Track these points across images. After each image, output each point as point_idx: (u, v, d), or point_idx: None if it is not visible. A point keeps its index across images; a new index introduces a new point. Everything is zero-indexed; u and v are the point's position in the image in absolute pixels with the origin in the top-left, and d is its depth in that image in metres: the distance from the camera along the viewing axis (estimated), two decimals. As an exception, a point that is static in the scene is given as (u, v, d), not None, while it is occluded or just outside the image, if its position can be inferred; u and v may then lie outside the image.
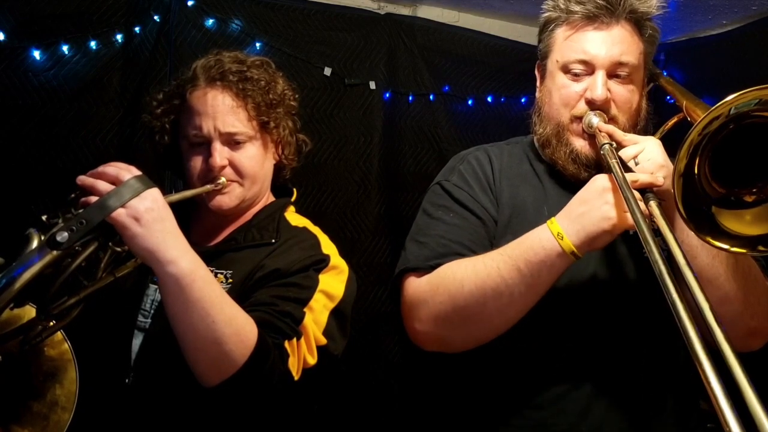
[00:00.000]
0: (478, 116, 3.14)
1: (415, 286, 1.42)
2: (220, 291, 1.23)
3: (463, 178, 1.54)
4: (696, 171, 1.13)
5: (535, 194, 1.52)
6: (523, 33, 3.24)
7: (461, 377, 1.55)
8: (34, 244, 1.06)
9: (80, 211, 1.10)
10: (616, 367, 1.41)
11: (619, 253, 1.46)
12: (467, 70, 3.10)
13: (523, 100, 3.20)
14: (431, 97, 3.03)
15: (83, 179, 1.15)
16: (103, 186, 1.13)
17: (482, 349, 1.40)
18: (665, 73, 2.92)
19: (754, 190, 1.17)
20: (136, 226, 1.12)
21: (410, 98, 2.99)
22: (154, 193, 1.17)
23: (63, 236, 1.04)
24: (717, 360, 0.78)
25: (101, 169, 1.17)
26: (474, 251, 1.40)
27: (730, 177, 1.17)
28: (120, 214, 1.11)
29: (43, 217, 1.08)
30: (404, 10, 3.04)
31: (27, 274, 1.01)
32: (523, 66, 3.13)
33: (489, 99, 3.15)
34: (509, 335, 1.36)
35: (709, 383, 0.73)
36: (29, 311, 1.25)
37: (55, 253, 1.05)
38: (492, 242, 1.46)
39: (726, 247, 1.11)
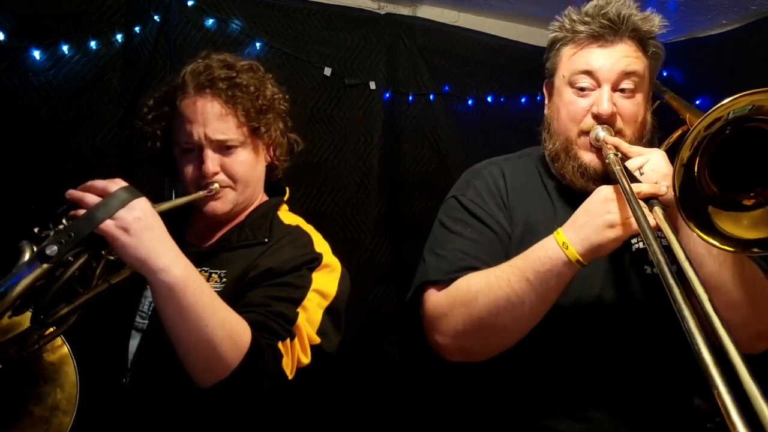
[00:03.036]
0: (478, 116, 3.13)
1: (435, 299, 1.46)
2: (213, 295, 1.24)
3: (478, 193, 1.59)
4: (696, 170, 1.14)
5: (546, 212, 1.56)
6: (523, 33, 3.23)
7: (470, 384, 1.60)
8: (26, 256, 1.07)
9: (69, 223, 1.11)
10: (618, 381, 1.44)
11: (623, 270, 1.49)
12: (467, 70, 3.10)
13: (523, 100, 3.20)
14: (431, 97, 3.02)
15: (71, 193, 1.16)
16: (91, 198, 1.14)
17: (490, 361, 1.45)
18: (665, 74, 2.92)
19: (752, 194, 1.17)
20: (126, 237, 1.12)
21: (410, 98, 2.99)
22: (142, 202, 1.17)
23: (52, 249, 1.05)
24: (725, 367, 0.77)
25: (89, 183, 1.17)
26: (490, 265, 1.43)
27: (729, 180, 1.18)
28: (108, 225, 1.11)
29: (35, 230, 1.09)
30: (404, 10, 3.03)
31: (18, 287, 1.02)
32: (523, 66, 3.13)
33: (489, 99, 3.14)
34: (517, 351, 1.41)
35: (720, 395, 0.71)
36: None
37: (45, 266, 1.06)
38: (507, 256, 1.48)
39: (716, 243, 1.12)
